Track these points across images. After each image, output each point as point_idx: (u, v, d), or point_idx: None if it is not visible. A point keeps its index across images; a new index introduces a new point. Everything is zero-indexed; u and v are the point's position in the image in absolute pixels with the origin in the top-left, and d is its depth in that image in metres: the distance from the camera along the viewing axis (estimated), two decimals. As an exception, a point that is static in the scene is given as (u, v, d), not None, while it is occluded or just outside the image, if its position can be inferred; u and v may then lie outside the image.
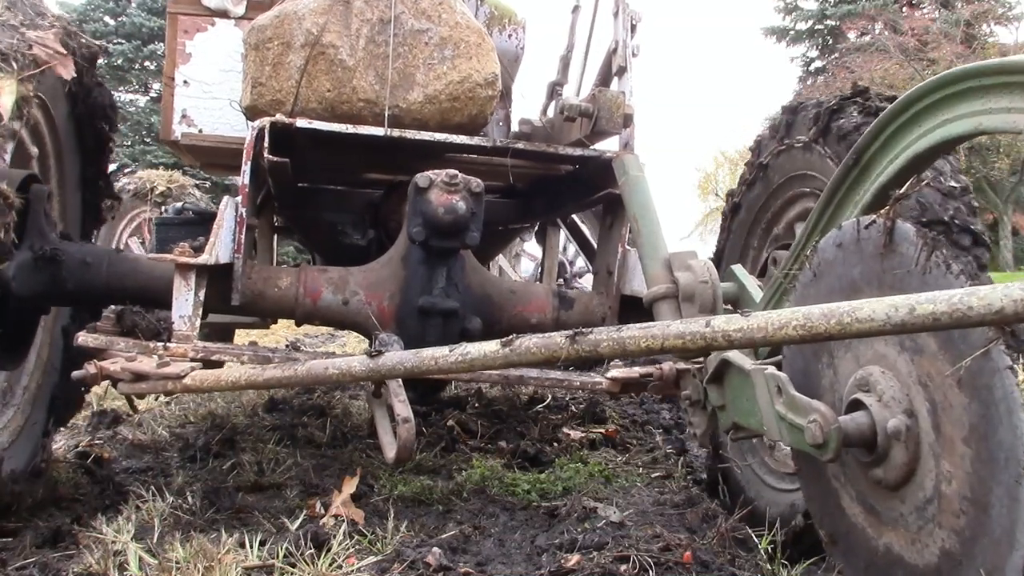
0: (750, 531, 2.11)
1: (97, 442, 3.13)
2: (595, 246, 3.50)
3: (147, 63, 22.07)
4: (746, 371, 1.64)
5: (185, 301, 2.22)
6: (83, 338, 2.16)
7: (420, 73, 2.70)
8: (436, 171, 2.40)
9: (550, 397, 4.27)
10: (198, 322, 2.23)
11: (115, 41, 21.47)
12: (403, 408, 1.96)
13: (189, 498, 2.34)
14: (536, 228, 4.40)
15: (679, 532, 2.15)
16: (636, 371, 2.31)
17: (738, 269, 2.14)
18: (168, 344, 2.16)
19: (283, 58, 2.64)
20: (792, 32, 29.47)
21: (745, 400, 1.65)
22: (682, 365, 2.03)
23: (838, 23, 28.28)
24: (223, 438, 3.07)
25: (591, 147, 2.76)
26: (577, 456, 3.07)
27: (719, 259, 2.72)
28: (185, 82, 3.48)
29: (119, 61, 21.83)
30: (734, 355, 1.70)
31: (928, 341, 1.33)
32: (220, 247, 2.32)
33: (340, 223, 3.58)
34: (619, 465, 3.04)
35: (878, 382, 1.43)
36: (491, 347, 1.53)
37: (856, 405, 1.46)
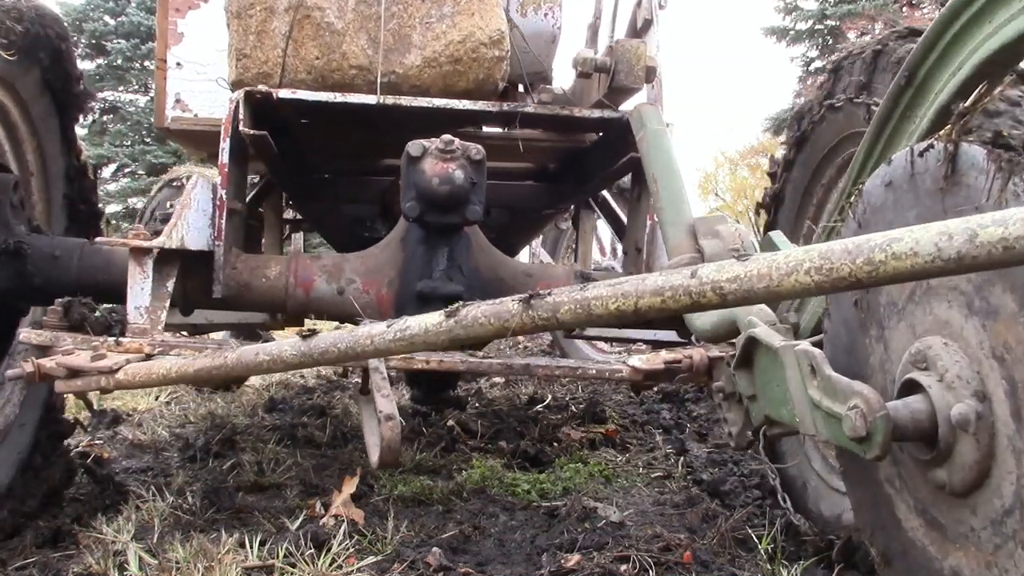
0: (750, 531, 2.11)
1: (97, 442, 3.13)
2: None
3: (146, 62, 22.05)
4: (774, 349, 1.35)
5: (141, 290, 1.99)
6: (26, 334, 1.95)
7: (417, 34, 2.43)
8: (431, 139, 2.17)
9: (550, 397, 4.27)
10: (163, 315, 2.01)
11: (114, 40, 21.46)
12: (386, 404, 1.77)
13: (189, 498, 2.34)
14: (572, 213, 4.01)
15: (679, 532, 2.15)
16: (662, 358, 1.98)
17: (777, 236, 1.84)
18: (120, 339, 1.92)
19: (267, 25, 2.39)
20: (792, 32, 29.47)
21: (776, 386, 1.36)
22: (715, 352, 1.85)
23: (838, 23, 28.26)
24: (223, 438, 3.07)
25: (614, 109, 2.42)
26: (577, 456, 3.07)
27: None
28: (178, 64, 3.20)
29: (118, 60, 21.81)
30: (762, 331, 1.41)
31: (1005, 300, 1.02)
32: (189, 231, 2.10)
33: (358, 214, 3.33)
34: (619, 465, 3.04)
35: (939, 357, 1.12)
36: (433, 320, 1.31)
37: (911, 387, 1.16)
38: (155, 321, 1.99)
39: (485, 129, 2.96)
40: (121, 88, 22.78)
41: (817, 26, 29.17)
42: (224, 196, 2.22)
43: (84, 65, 21.14)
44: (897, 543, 1.28)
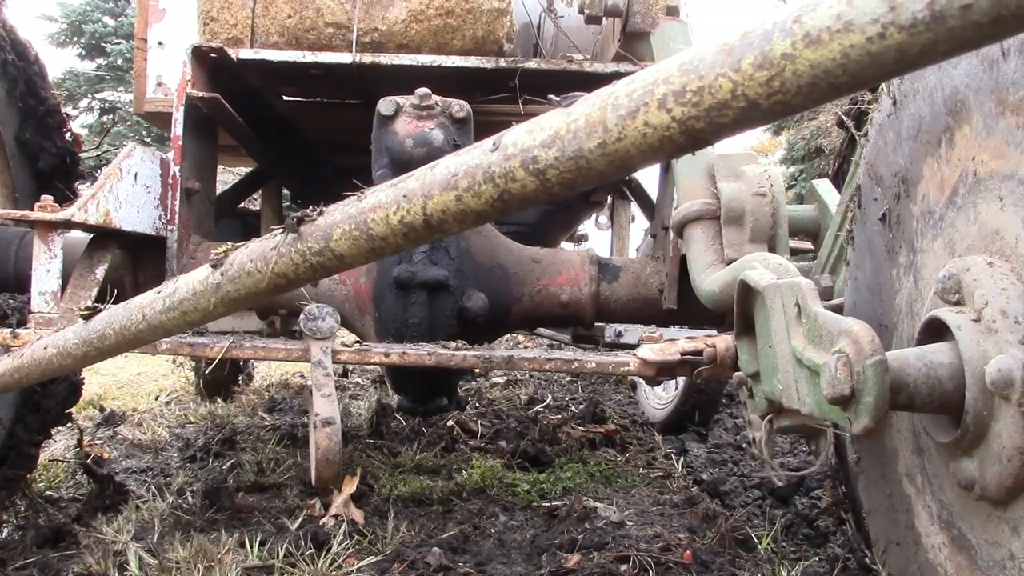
0: (750, 531, 2.11)
1: (97, 442, 3.13)
2: None
3: (147, 63, 22.05)
4: (760, 292, 0.99)
5: (47, 272, 1.70)
6: None
7: None
8: (407, 95, 1.91)
9: (550, 397, 4.27)
10: (87, 303, 1.74)
11: (114, 41, 21.48)
12: (325, 406, 1.49)
13: (189, 498, 2.34)
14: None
15: (679, 532, 2.15)
16: (678, 348, 1.58)
17: (821, 185, 1.57)
18: (18, 331, 1.66)
19: None
20: (792, 32, 29.49)
21: (769, 348, 0.99)
22: None
23: (838, 23, 28.30)
24: (223, 438, 3.08)
25: (633, 61, 2.09)
26: (577, 456, 3.07)
27: None
28: (159, 43, 2.90)
29: (118, 61, 21.84)
30: (755, 273, 1.04)
31: None
32: (120, 208, 1.82)
33: None
34: (619, 465, 3.04)
35: (979, 283, 0.75)
36: (200, 276, 1.10)
37: (934, 331, 0.81)
38: (72, 312, 1.71)
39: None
40: (121, 88, 22.80)
41: (817, 26, 29.17)
42: (178, 173, 1.95)
43: (84, 65, 21.15)
44: (913, 565, 0.90)
